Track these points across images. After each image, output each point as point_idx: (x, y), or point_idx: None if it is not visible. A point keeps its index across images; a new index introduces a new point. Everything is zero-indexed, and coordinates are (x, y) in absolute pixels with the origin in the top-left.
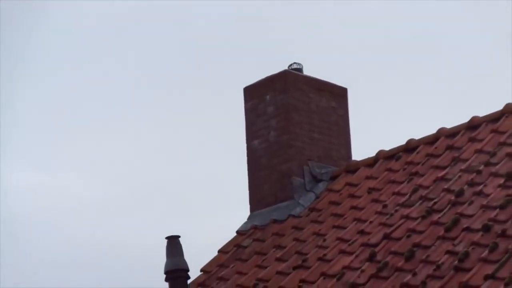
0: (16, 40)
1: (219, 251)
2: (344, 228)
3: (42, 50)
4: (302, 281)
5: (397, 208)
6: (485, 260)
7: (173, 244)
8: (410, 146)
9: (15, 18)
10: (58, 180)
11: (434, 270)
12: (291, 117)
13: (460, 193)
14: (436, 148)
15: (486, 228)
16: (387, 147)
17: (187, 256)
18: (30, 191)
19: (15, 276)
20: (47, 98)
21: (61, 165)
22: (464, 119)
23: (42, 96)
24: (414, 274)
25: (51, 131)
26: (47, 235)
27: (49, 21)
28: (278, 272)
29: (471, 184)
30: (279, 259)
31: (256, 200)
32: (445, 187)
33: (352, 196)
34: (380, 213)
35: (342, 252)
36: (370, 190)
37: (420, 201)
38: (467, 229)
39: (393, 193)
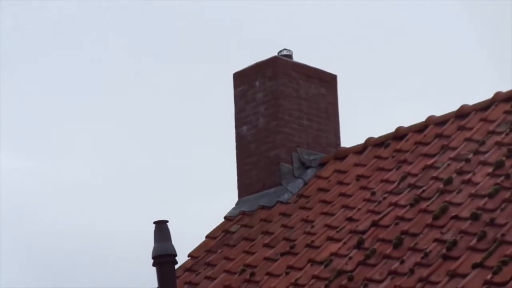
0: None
1: (206, 237)
2: (332, 215)
3: (28, 35)
4: (290, 267)
5: (386, 195)
6: (473, 249)
7: (161, 229)
8: (399, 134)
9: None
10: (43, 165)
11: (422, 258)
12: (280, 104)
13: (448, 182)
14: (425, 136)
15: (474, 217)
16: (376, 135)
17: (175, 241)
18: (14, 175)
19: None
20: (33, 83)
21: (46, 150)
22: (454, 107)
23: (28, 81)
24: (402, 262)
25: (37, 116)
26: (30, 220)
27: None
28: (266, 258)
29: (460, 172)
30: (266, 245)
31: (244, 186)
32: (434, 175)
33: (340, 183)
34: (368, 200)
35: (330, 239)
36: (359, 177)
37: (409, 189)
38: (456, 217)
39: (382, 181)
